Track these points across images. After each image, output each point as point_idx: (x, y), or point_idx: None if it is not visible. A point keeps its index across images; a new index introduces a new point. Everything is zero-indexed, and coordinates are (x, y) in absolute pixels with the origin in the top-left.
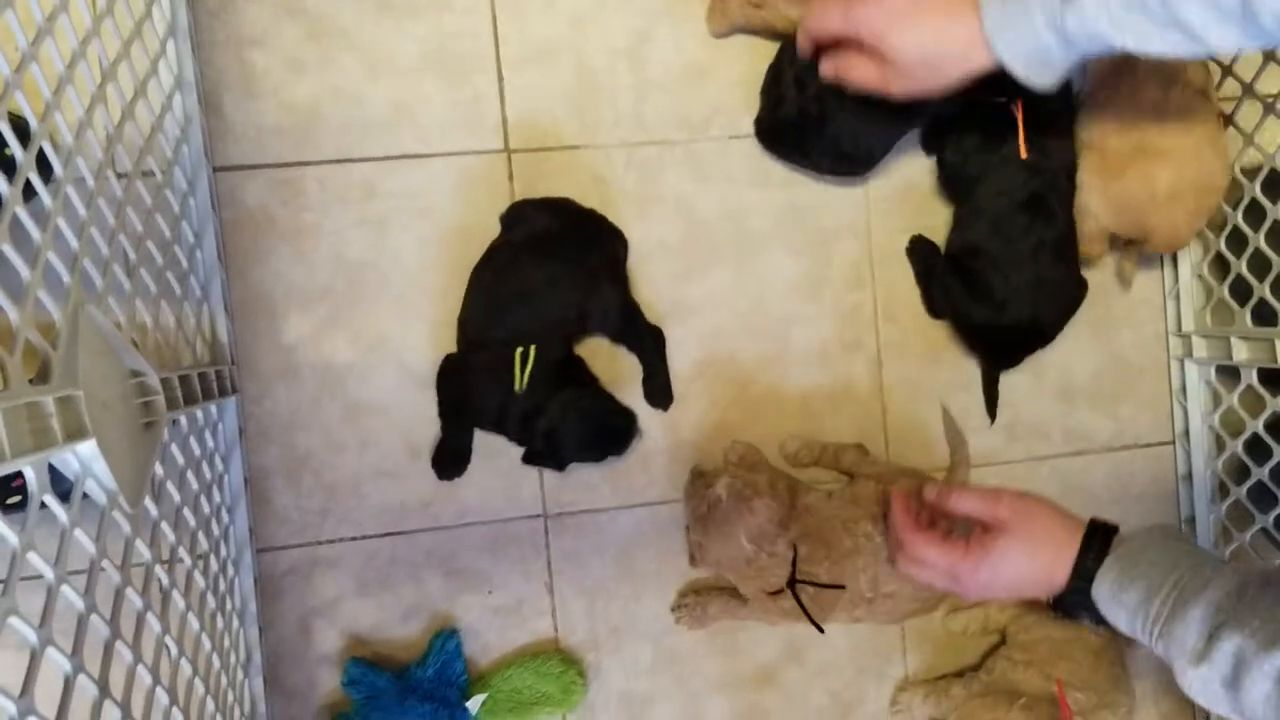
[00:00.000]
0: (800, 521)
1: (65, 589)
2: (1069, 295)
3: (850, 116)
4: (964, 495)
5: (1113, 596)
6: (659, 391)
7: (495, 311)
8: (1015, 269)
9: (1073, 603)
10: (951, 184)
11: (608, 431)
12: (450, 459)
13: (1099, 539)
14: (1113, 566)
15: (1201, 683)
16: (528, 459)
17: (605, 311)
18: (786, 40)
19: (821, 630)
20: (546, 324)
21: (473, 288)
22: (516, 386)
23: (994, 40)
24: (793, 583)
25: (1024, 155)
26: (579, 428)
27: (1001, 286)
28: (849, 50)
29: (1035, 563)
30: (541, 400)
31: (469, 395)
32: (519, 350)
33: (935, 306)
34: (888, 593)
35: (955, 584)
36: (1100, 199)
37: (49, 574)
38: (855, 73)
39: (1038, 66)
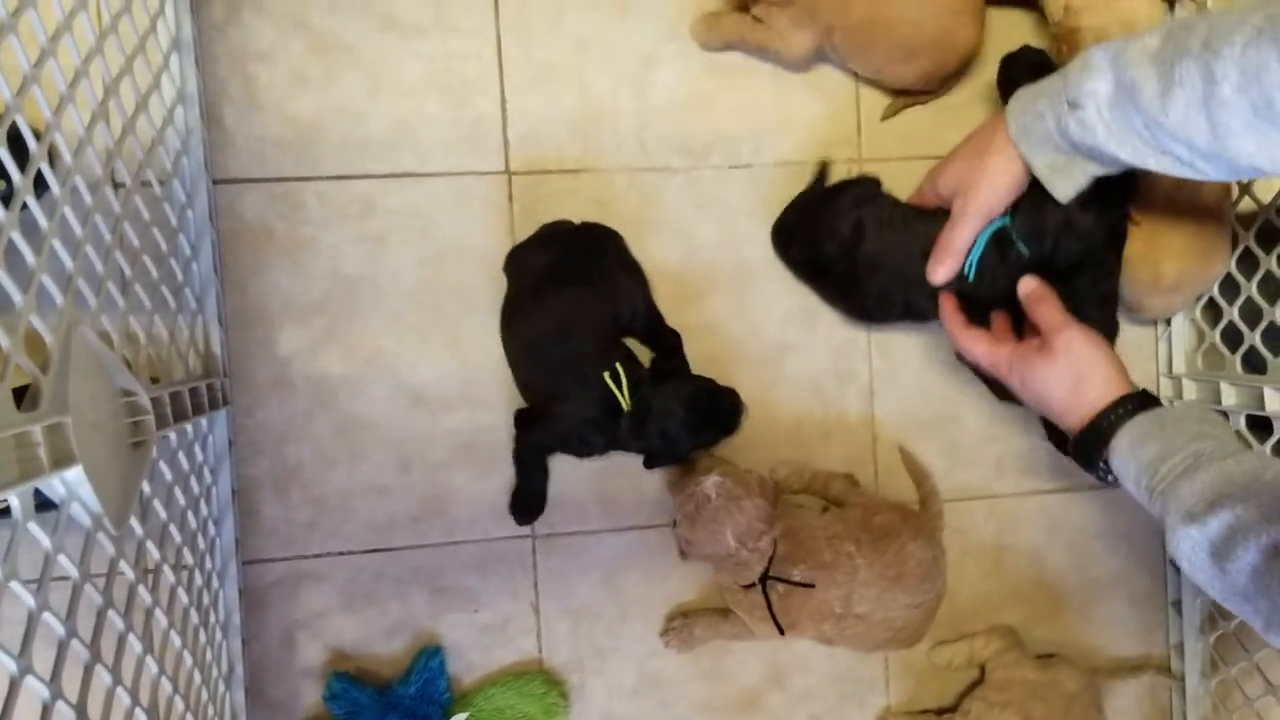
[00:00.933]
0: (783, 520)
1: (46, 615)
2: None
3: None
4: (1041, 305)
5: (1130, 449)
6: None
7: (546, 360)
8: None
9: (1089, 442)
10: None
11: (716, 412)
12: (530, 504)
13: (1139, 400)
14: (1140, 422)
15: (1190, 544)
16: (649, 464)
17: (634, 308)
18: (860, 180)
19: (782, 633)
20: (596, 345)
21: (515, 349)
22: (624, 405)
23: (1020, 146)
24: (765, 579)
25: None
26: (688, 416)
27: None
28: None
29: (1061, 393)
30: (644, 404)
31: (569, 440)
32: (607, 374)
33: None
34: (859, 613)
35: (997, 375)
36: None
37: (30, 601)
38: (955, 239)
39: (1060, 173)
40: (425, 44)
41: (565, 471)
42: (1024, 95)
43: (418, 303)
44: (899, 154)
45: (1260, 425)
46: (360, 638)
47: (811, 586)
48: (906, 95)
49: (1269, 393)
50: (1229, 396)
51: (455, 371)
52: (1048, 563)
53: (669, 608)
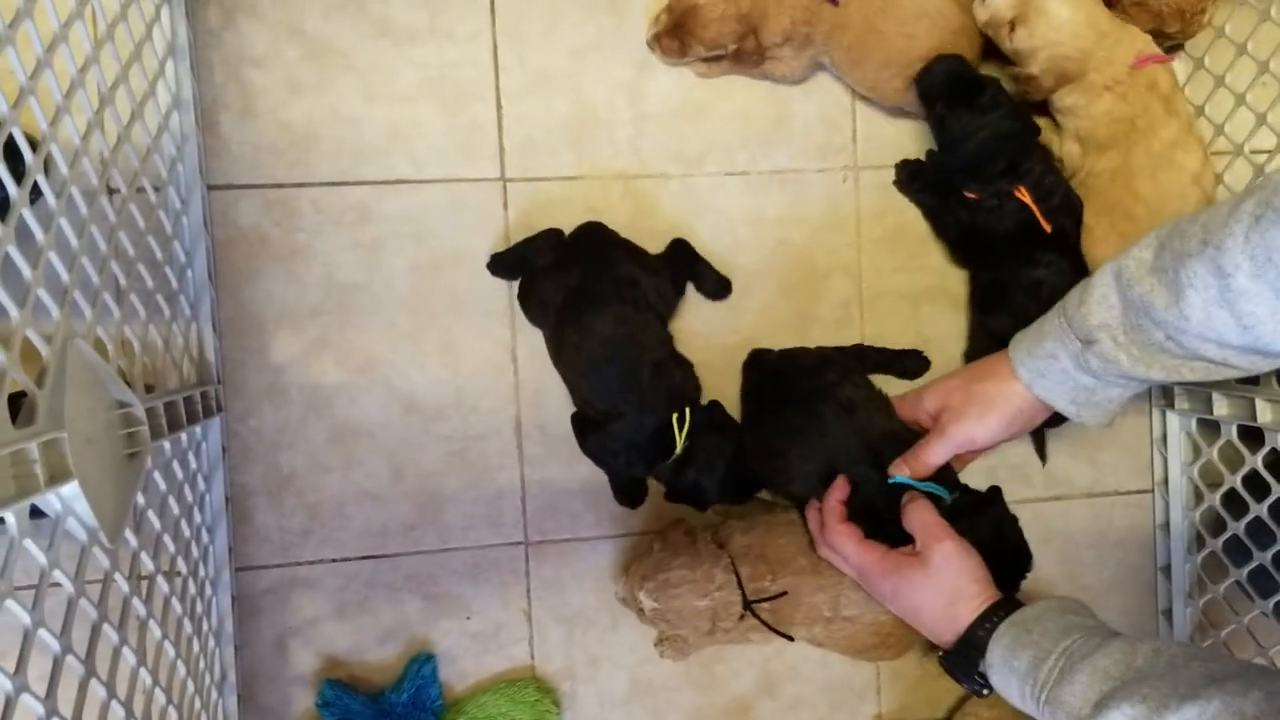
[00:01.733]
0: (728, 546)
1: (42, 632)
2: None
3: None
4: (918, 514)
5: (1004, 662)
6: (715, 283)
7: (604, 384)
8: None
9: (958, 663)
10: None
11: (750, 477)
12: (629, 493)
13: (1004, 609)
14: (1006, 632)
15: None
16: (671, 497)
17: (664, 294)
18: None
19: (791, 639)
20: (650, 360)
21: (571, 376)
22: (677, 448)
23: (1036, 390)
24: (748, 605)
25: (1047, 229)
26: (726, 475)
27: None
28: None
29: (937, 605)
30: (691, 450)
31: (616, 456)
32: (675, 416)
33: None
34: (847, 616)
35: (863, 581)
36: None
37: (26, 619)
38: (929, 455)
39: (1087, 407)
40: (420, 50)
41: (559, 477)
42: (1025, 339)
43: (412, 310)
44: (894, 160)
45: (1252, 436)
46: (353, 645)
47: (784, 594)
48: None
49: (1261, 404)
50: (1220, 407)
51: (449, 379)
52: (1040, 571)
53: None
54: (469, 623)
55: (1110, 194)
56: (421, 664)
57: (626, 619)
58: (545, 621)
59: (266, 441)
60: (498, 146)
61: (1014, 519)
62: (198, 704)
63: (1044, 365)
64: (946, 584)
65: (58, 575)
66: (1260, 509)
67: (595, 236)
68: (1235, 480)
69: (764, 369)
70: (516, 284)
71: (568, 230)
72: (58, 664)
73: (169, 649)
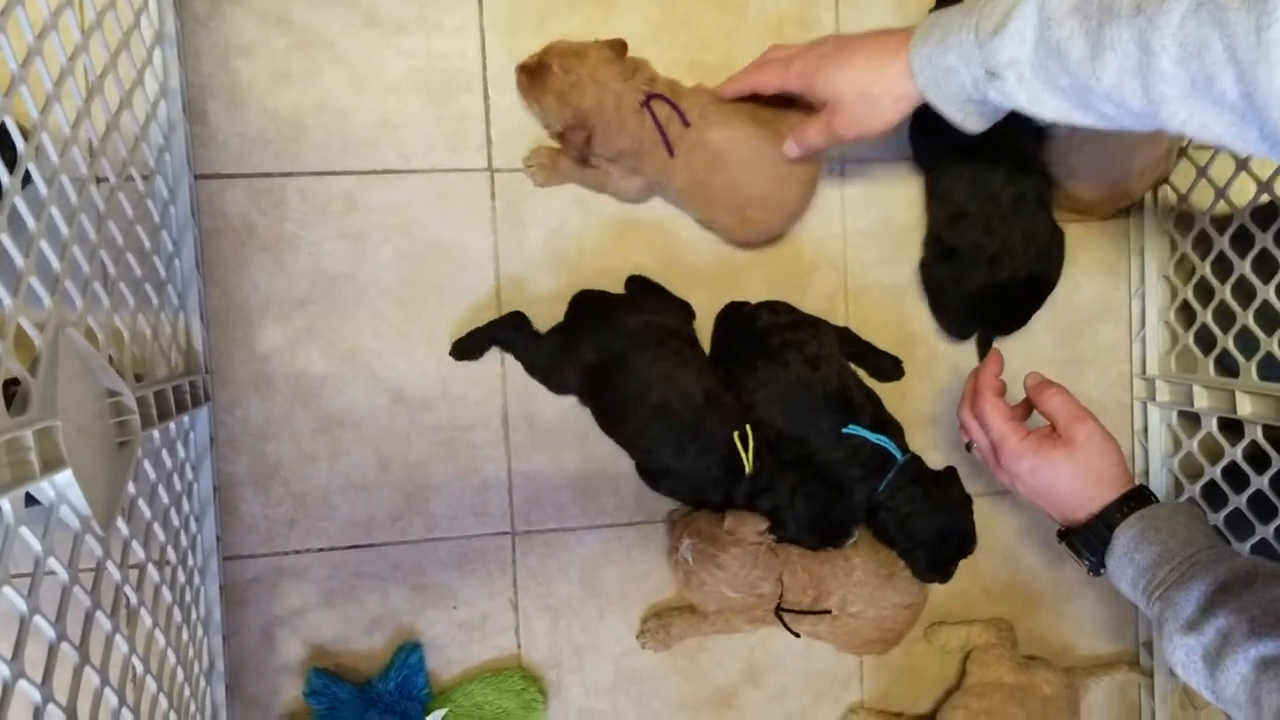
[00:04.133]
0: (780, 554)
1: (38, 619)
2: (1058, 241)
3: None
4: (1059, 396)
5: (1126, 552)
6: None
7: (661, 430)
8: (1001, 223)
9: (1085, 540)
10: (926, 151)
11: (831, 521)
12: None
13: (1137, 499)
14: (1136, 524)
15: (1185, 652)
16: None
17: (669, 318)
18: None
19: (798, 636)
20: (679, 379)
21: (629, 433)
22: (747, 468)
23: (930, 95)
24: (779, 610)
25: None
26: (804, 511)
27: (990, 243)
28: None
29: (1075, 486)
30: (766, 477)
31: (695, 493)
32: (736, 435)
33: (946, 318)
34: (852, 613)
35: (993, 457)
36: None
37: (22, 605)
38: (809, 136)
39: (973, 117)
40: (408, 41)
41: (545, 468)
42: (931, 37)
43: (398, 300)
44: (879, 154)
45: (1232, 428)
46: (339, 634)
47: (828, 612)
48: None
49: (1240, 396)
50: (1201, 399)
51: (434, 370)
52: (1020, 562)
53: (647, 605)
54: (455, 612)
55: None
56: (408, 653)
57: (612, 609)
58: (531, 611)
59: (253, 431)
60: (485, 137)
61: (968, 499)
62: (186, 692)
63: (942, 76)
64: (1091, 464)
65: (52, 563)
66: (1240, 500)
67: (588, 306)
68: (1215, 472)
69: (740, 320)
70: (502, 276)
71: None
72: (53, 651)
73: (159, 637)
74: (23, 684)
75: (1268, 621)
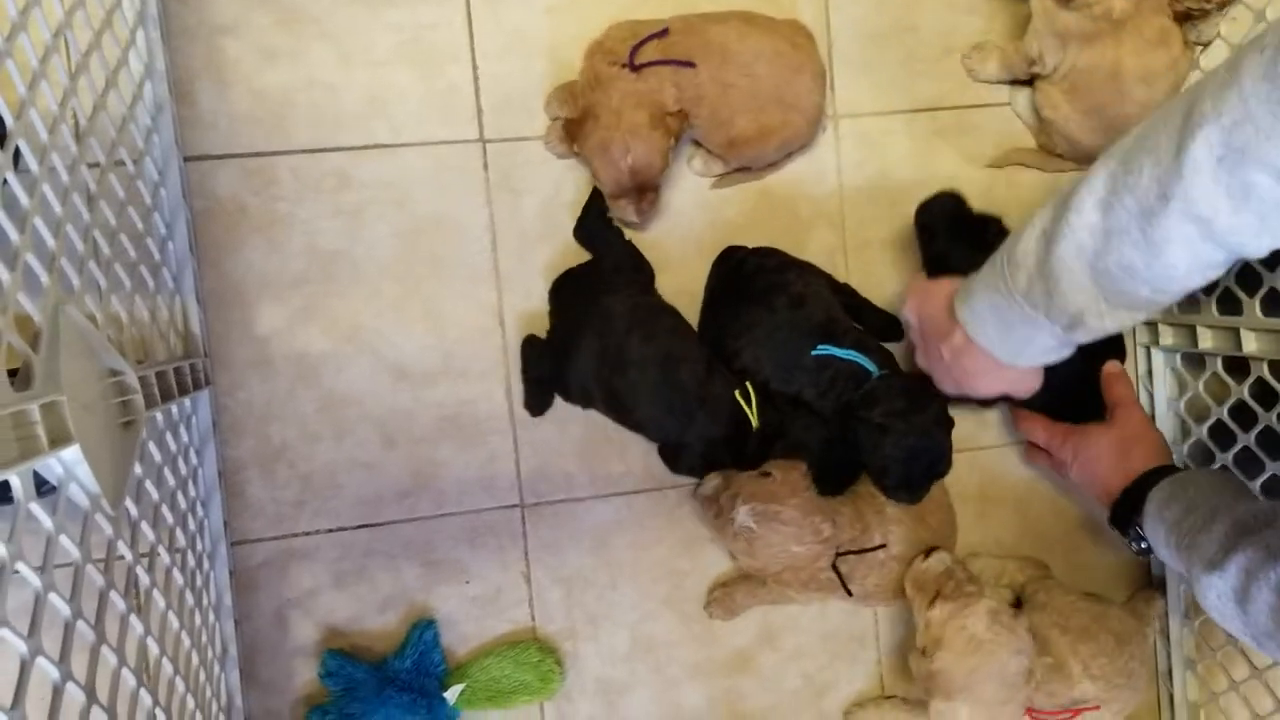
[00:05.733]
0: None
1: (53, 597)
2: None
3: None
4: (1122, 386)
5: (1158, 512)
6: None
7: (664, 401)
8: None
9: (1127, 505)
10: None
11: (848, 465)
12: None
13: (1169, 471)
14: (1165, 488)
15: (1216, 593)
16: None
17: (643, 284)
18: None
19: (851, 595)
20: (673, 351)
21: (634, 412)
22: (753, 423)
23: (1017, 364)
24: (836, 560)
25: None
26: (821, 456)
27: None
28: None
29: (1113, 454)
30: (776, 427)
31: (709, 462)
32: (738, 392)
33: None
34: (895, 554)
35: (1050, 451)
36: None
37: (36, 582)
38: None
39: (1066, 350)
40: (394, 13)
41: (552, 439)
42: (985, 322)
43: (396, 276)
44: (872, 109)
45: (1237, 367)
46: (352, 614)
47: (884, 546)
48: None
49: (1245, 334)
50: (1205, 340)
51: (436, 344)
52: (1031, 511)
53: (660, 571)
54: (468, 587)
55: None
56: (423, 630)
57: (625, 577)
58: (544, 583)
59: (256, 414)
60: (475, 108)
61: (948, 419)
62: (201, 676)
63: (1020, 348)
64: (1122, 438)
65: (64, 542)
66: (1248, 438)
67: (570, 301)
68: (1222, 412)
69: (731, 265)
70: (499, 247)
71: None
72: (69, 629)
73: (173, 619)
74: (41, 661)
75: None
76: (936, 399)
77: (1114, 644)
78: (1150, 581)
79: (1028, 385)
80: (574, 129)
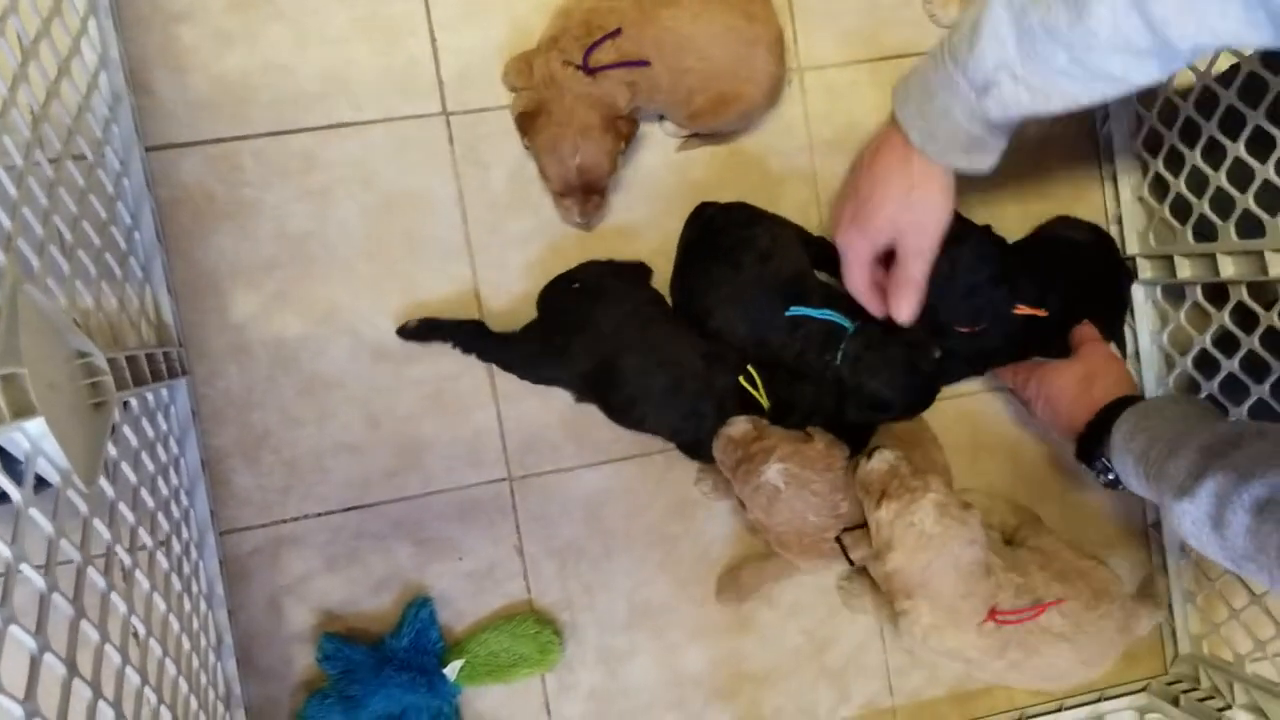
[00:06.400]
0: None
1: (25, 567)
2: None
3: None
4: (1086, 328)
5: (1123, 444)
6: None
7: (672, 404)
8: None
9: (1092, 437)
10: None
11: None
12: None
13: (1131, 402)
14: (1128, 419)
15: (1190, 520)
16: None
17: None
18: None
19: (853, 564)
20: (669, 349)
21: (650, 418)
22: (764, 405)
23: (927, 152)
24: (840, 535)
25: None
26: (835, 408)
27: None
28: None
29: (1076, 387)
30: (786, 404)
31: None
32: (742, 378)
33: None
34: None
35: (1017, 391)
36: None
37: (6, 552)
38: (915, 284)
39: (979, 153)
40: None
41: (536, 411)
42: (911, 94)
43: (368, 254)
44: (836, 60)
45: (1217, 295)
46: (347, 597)
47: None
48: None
49: (1222, 259)
50: (1183, 269)
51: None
52: (1022, 456)
53: (653, 537)
54: (461, 564)
55: None
56: (419, 608)
57: (618, 545)
58: (538, 555)
59: (236, 402)
60: (436, 80)
61: (932, 356)
62: (196, 663)
63: (935, 124)
64: (1084, 370)
65: (35, 515)
66: (1232, 364)
67: (562, 306)
68: (1205, 340)
69: (701, 223)
70: (470, 221)
71: None
72: (44, 602)
73: (159, 602)
74: (14, 630)
75: (1257, 470)
76: (911, 333)
77: (1090, 595)
78: (1145, 517)
79: (933, 213)
80: (526, 123)
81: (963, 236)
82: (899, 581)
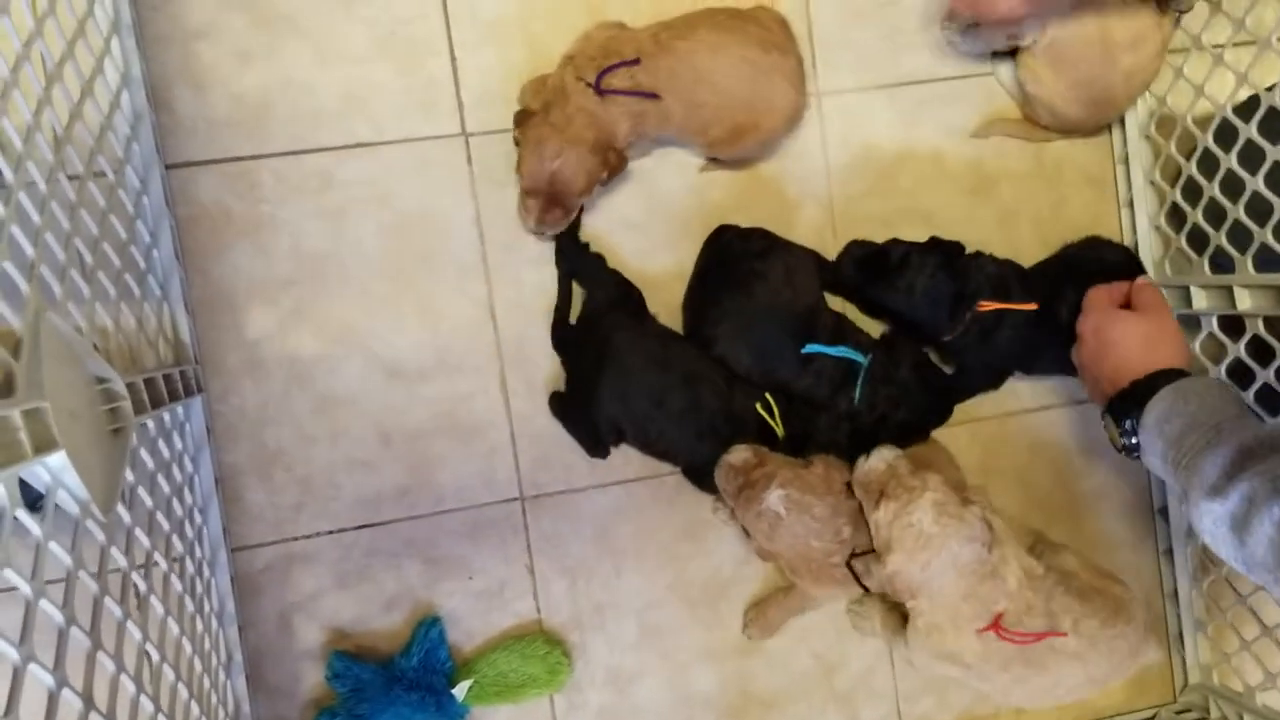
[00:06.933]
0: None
1: (44, 603)
2: None
3: None
4: (1150, 290)
5: (1157, 424)
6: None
7: (689, 426)
8: None
9: (1121, 407)
10: None
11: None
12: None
13: (1175, 376)
14: (1167, 395)
15: (1212, 518)
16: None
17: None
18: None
19: (868, 591)
20: (717, 381)
21: (672, 440)
22: (779, 433)
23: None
24: (850, 559)
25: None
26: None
27: None
28: None
29: (1132, 342)
30: (801, 433)
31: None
32: (759, 405)
33: None
34: None
35: (1089, 300)
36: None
37: (26, 589)
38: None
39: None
40: (368, 8)
41: (547, 432)
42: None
43: (384, 274)
44: (854, 85)
45: (1233, 327)
46: (357, 615)
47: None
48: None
49: (1239, 291)
50: (1200, 300)
51: (429, 340)
52: (1034, 481)
53: (663, 558)
54: (472, 582)
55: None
56: (428, 627)
57: (628, 565)
58: (548, 575)
59: (250, 419)
60: (456, 101)
61: (941, 371)
62: (206, 683)
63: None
64: (1150, 328)
65: (55, 549)
66: (1247, 397)
67: (572, 340)
68: (1220, 371)
69: (718, 249)
70: (487, 241)
71: None
72: (62, 635)
73: (172, 625)
74: (35, 669)
75: None
76: (917, 353)
77: (1109, 613)
78: (1156, 544)
79: None
80: (522, 117)
81: (909, 261)
82: (900, 583)
